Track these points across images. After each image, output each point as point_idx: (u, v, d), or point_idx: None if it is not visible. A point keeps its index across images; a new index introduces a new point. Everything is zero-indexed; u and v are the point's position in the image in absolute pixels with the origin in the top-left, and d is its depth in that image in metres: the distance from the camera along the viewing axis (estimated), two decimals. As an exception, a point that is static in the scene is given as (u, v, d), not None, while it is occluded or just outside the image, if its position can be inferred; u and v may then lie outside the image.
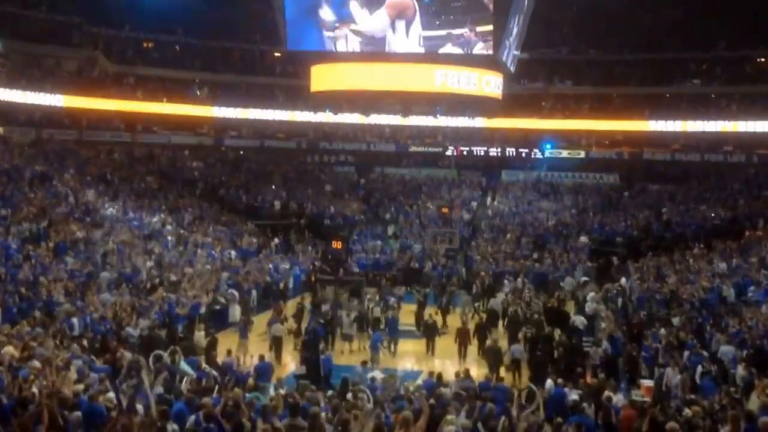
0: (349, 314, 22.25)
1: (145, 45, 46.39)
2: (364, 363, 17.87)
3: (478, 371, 17.59)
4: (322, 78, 25.67)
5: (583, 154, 44.49)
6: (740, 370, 14.95)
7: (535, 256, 32.15)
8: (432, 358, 20.88)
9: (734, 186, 38.67)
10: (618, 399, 13.88)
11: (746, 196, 36.56)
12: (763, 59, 42.45)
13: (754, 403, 12.06)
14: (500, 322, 23.38)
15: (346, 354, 20.81)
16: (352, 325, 21.93)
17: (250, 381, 15.15)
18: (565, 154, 44.65)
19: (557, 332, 20.76)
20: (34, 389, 12.22)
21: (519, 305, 23.08)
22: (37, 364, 13.85)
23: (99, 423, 10.44)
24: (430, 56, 23.19)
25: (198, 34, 44.84)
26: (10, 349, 14.82)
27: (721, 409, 11.99)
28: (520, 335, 20.38)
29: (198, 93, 45.87)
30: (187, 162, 43.65)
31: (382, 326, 22.41)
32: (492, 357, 19.03)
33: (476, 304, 25.83)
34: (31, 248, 23.45)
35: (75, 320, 18.21)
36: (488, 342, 20.37)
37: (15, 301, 19.10)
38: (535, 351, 18.92)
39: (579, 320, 21.96)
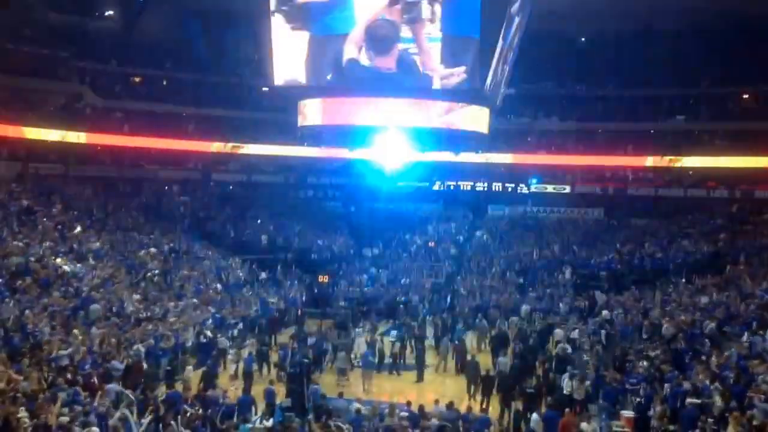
0: (340, 348, 22.45)
1: (133, 79, 46.65)
2: (340, 394, 17.98)
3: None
4: (309, 113, 26.07)
5: (568, 189, 44.95)
6: (717, 401, 15.14)
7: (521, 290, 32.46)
8: (415, 390, 20.98)
9: (717, 221, 39.05)
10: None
11: (728, 231, 36.94)
12: (746, 96, 43.19)
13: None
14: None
15: (338, 387, 20.79)
16: (345, 359, 22.10)
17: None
18: (550, 188, 45.12)
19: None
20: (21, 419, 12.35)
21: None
22: (21, 396, 13.94)
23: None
24: (420, 92, 23.66)
25: (186, 68, 45.22)
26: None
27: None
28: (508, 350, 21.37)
29: (186, 128, 46.09)
30: (175, 197, 43.73)
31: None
32: (471, 371, 20.07)
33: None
34: (17, 283, 23.45)
35: (61, 353, 18.17)
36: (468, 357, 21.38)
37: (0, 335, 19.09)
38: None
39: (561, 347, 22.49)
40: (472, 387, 20.30)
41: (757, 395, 14.53)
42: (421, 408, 16.15)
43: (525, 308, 29.46)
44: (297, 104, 26.64)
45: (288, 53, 23.92)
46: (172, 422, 13.72)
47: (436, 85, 22.58)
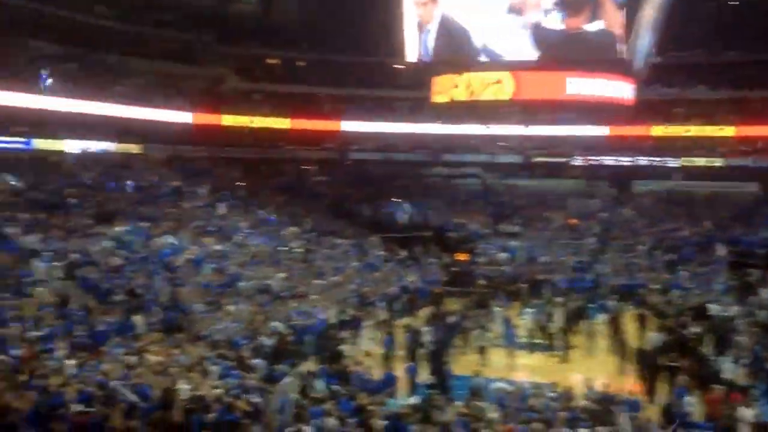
0: (480, 327, 22.13)
1: (271, 62, 47.73)
2: (480, 373, 17.66)
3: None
4: (444, 89, 25.74)
5: (720, 162, 42.46)
6: None
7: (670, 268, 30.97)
8: (559, 371, 20.37)
9: None
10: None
11: None
12: None
13: None
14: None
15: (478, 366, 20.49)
16: (485, 337, 21.81)
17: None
18: (700, 162, 42.77)
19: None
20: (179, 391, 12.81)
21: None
22: (179, 369, 14.50)
23: (232, 425, 10.66)
24: (557, 63, 22.89)
25: (322, 49, 45.80)
26: (154, 357, 15.55)
27: None
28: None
29: (323, 108, 46.80)
30: (313, 177, 44.59)
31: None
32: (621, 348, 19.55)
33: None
34: (170, 260, 24.53)
35: (213, 328, 18.83)
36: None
37: (157, 311, 19.99)
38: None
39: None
40: (623, 366, 19.52)
41: None
42: (567, 388, 15.60)
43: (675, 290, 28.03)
44: (431, 81, 26.38)
45: (422, 29, 23.74)
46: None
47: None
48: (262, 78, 46.34)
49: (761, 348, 18.69)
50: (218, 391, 13.24)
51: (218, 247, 27.44)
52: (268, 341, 19.03)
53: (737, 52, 42.49)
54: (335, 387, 14.80)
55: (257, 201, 36.61)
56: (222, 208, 32.84)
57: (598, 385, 15.85)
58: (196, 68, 43.82)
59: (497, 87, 24.15)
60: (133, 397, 12.27)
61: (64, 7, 35.54)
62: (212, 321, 19.77)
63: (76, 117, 33.58)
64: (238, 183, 38.90)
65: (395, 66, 43.04)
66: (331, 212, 39.03)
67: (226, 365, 15.56)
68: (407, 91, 43.80)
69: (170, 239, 26.68)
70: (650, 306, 25.62)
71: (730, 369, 17.33)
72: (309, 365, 17.94)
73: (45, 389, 12.05)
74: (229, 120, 43.05)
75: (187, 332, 18.52)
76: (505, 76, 23.92)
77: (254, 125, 43.95)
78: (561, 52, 22.80)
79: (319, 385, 14.87)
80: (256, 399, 13.05)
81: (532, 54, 23.03)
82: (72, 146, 33.67)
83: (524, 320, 24.09)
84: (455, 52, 24.19)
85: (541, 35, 22.66)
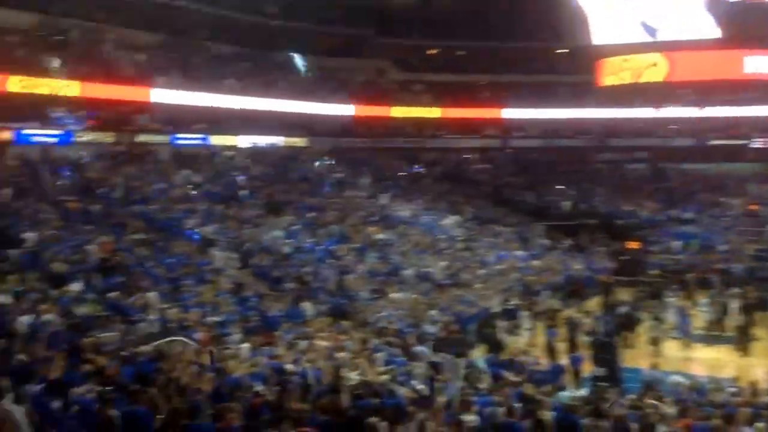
0: (652, 317, 21.33)
1: (431, 52, 47.90)
2: (653, 365, 16.93)
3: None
4: (611, 72, 24.92)
5: None
6: None
7: None
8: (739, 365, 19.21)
9: None
10: None
11: None
12: None
13: None
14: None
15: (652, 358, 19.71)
16: (658, 328, 21.02)
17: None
18: None
19: None
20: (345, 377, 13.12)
21: None
22: (347, 354, 14.89)
23: (398, 411, 10.76)
24: (734, 41, 21.61)
25: (481, 37, 45.48)
26: (323, 342, 16.07)
27: None
28: None
29: (483, 96, 46.50)
30: (474, 165, 44.45)
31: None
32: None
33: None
34: (335, 249, 25.26)
35: (378, 315, 19.23)
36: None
37: (324, 297, 20.66)
38: None
39: None
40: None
41: None
42: (751, 383, 14.67)
43: None
44: (595, 64, 25.60)
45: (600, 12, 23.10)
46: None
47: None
48: (421, 68, 46.66)
49: None
50: (384, 377, 13.46)
51: (381, 236, 27.93)
52: (431, 329, 19.22)
53: None
54: (501, 376, 14.70)
55: (418, 190, 36.93)
56: (384, 198, 33.40)
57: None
58: (358, 61, 44.79)
59: (653, 69, 23.21)
60: (306, 381, 12.70)
61: (237, 10, 37.36)
62: (377, 308, 20.17)
63: (248, 113, 35.24)
64: (399, 173, 39.34)
65: (557, 51, 42.23)
66: (492, 200, 38.78)
67: (391, 352, 15.83)
68: (570, 75, 42.89)
69: (335, 228, 27.45)
70: None
71: None
72: (474, 354, 17.91)
73: (223, 371, 12.71)
74: (391, 111, 43.64)
75: (353, 319, 18.99)
76: (658, 57, 22.89)
77: (414, 115, 44.31)
78: (742, 27, 21.49)
79: (485, 374, 14.80)
80: (421, 386, 13.18)
81: (710, 32, 21.81)
82: (244, 141, 35.31)
83: (700, 311, 22.97)
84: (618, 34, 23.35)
85: (719, 9, 21.41)
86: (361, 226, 28.69)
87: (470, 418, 10.69)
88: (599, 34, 23.28)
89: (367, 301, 21.07)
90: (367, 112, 42.38)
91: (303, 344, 15.67)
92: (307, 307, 19.50)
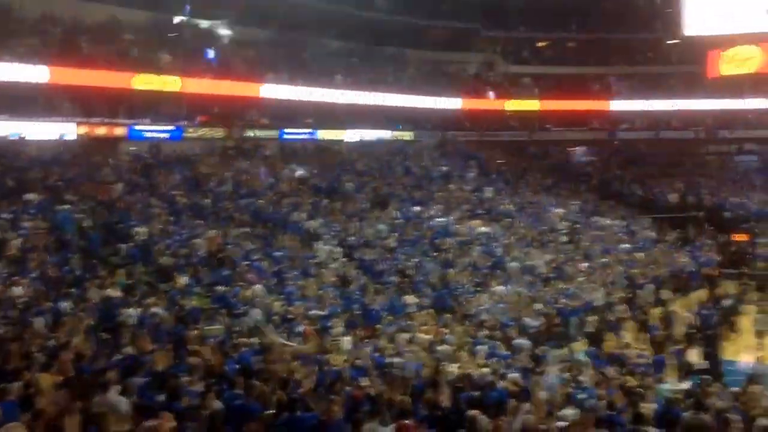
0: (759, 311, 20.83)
1: (539, 44, 47.49)
2: (760, 358, 16.50)
3: None
4: (723, 62, 24.21)
5: None
6: None
7: None
8: None
9: None
10: None
11: None
12: None
13: None
14: None
15: (753, 350, 19.18)
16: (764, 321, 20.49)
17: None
18: None
19: None
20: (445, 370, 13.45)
21: None
22: (448, 348, 15.22)
23: (499, 404, 10.95)
24: None
25: (591, 28, 44.79)
26: (425, 335, 16.44)
27: None
28: None
29: (591, 88, 45.81)
30: (580, 157, 43.90)
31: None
32: None
33: None
34: (440, 242, 25.56)
35: (480, 309, 19.46)
36: None
37: (427, 291, 21.00)
38: None
39: None
40: None
41: None
42: None
43: None
44: (706, 55, 24.91)
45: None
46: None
47: None
48: (530, 61, 46.32)
49: None
50: (485, 370, 13.67)
51: (486, 229, 28.04)
52: (533, 322, 19.29)
53: None
54: (603, 370, 14.72)
55: (524, 183, 36.80)
56: (489, 191, 33.44)
57: None
58: (466, 55, 44.86)
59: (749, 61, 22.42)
60: (407, 374, 13.04)
61: (346, 4, 38.05)
62: (479, 301, 20.37)
63: (355, 108, 35.92)
64: (505, 166, 39.26)
65: (666, 41, 41.24)
66: (599, 193, 38.25)
67: (492, 345, 16.05)
68: (679, 66, 41.92)
69: (441, 221, 27.73)
70: None
71: None
72: (576, 347, 17.88)
73: (325, 363, 13.13)
74: (502, 104, 43.60)
75: (456, 312, 19.25)
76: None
77: (521, 108, 44.11)
78: None
79: (587, 368, 14.83)
80: (521, 379, 13.34)
81: None
82: (351, 135, 36.00)
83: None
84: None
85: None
86: (466, 219, 28.86)
87: (570, 412, 10.83)
88: (709, 24, 22.58)
89: (469, 294, 21.26)
90: (474, 105, 42.50)
91: (404, 337, 16.04)
92: (410, 300, 19.86)
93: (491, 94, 43.41)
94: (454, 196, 31.64)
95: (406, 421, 8.99)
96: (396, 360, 13.99)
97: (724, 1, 21.98)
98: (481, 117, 43.09)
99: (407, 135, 39.10)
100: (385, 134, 37.89)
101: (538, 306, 20.68)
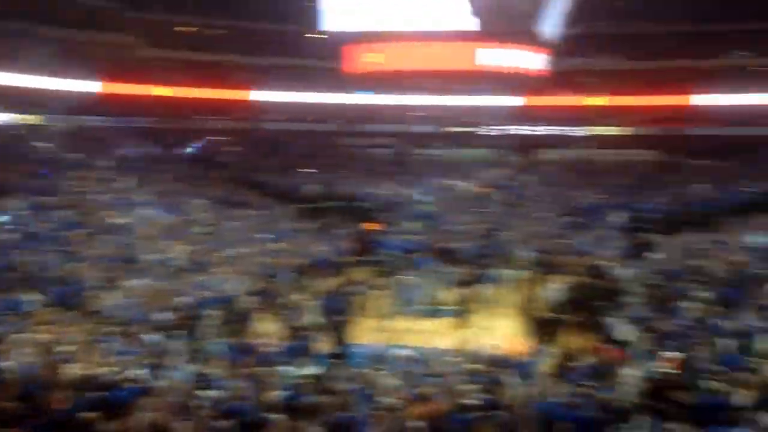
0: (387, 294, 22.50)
1: (182, 29, 46.61)
2: (379, 340, 17.89)
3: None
4: (358, 58, 25.71)
5: (624, 131, 43.84)
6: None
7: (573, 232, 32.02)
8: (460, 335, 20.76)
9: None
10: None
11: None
12: None
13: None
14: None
15: (377, 333, 20.70)
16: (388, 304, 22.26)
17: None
18: (605, 131, 44.06)
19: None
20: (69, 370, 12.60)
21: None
22: (71, 347, 14.24)
23: (125, 403, 10.57)
24: (471, 34, 23.07)
25: (233, 17, 45.04)
26: (45, 334, 15.23)
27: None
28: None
29: (234, 77, 46.20)
30: (223, 147, 44.06)
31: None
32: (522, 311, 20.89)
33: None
34: (66, 234, 23.92)
35: (107, 304, 18.52)
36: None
37: (49, 286, 19.50)
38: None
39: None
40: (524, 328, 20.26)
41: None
42: (464, 352, 16.10)
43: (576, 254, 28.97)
44: (345, 50, 26.32)
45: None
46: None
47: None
48: (172, 46, 45.23)
49: (650, 309, 19.55)
50: (110, 368, 13.06)
51: (119, 221, 26.85)
52: (167, 316, 18.84)
53: (645, 23, 43.88)
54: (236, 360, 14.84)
55: (162, 172, 35.92)
56: (125, 180, 32.12)
57: (495, 348, 16.36)
58: (105, 36, 42.46)
59: (411, 57, 24.35)
60: (18, 377, 12.00)
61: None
62: (109, 297, 19.38)
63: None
64: (143, 154, 38.05)
65: (308, 35, 42.88)
66: (240, 183, 38.67)
67: (119, 342, 15.37)
68: (320, 60, 43.78)
69: (68, 212, 25.99)
70: (551, 269, 26.59)
71: (621, 328, 18.17)
72: (209, 339, 17.77)
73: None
74: (137, 89, 42.07)
75: (82, 309, 18.12)
76: (418, 47, 24.03)
77: (162, 94, 43.05)
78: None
79: (219, 359, 14.83)
80: (150, 376, 12.94)
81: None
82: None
83: (427, 285, 24.43)
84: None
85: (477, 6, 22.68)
86: (97, 210, 27.37)
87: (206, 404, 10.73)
88: (347, 20, 23.80)
89: (98, 289, 20.13)
90: (112, 89, 40.53)
91: (18, 338, 14.73)
92: (29, 297, 18.30)
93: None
94: (86, 185, 29.85)
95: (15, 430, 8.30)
96: (5, 363, 12.79)
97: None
98: (120, 102, 41.26)
99: (35, 119, 36.06)
100: (5, 117, 34.55)
101: (175, 299, 20.26)
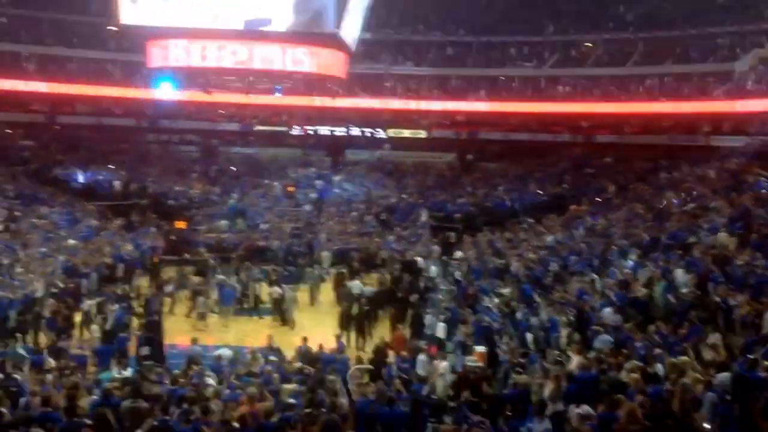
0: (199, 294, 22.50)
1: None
2: (194, 340, 17.90)
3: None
4: (159, 54, 25.28)
5: (423, 134, 45.90)
6: (563, 334, 16.25)
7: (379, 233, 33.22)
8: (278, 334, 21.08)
9: (561, 164, 41.13)
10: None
11: (571, 173, 39.04)
12: (589, 44, 45.16)
13: (574, 363, 13.10)
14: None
15: (195, 333, 20.55)
16: (206, 304, 22.32)
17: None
18: (406, 133, 45.91)
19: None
20: None
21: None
22: None
23: None
24: (273, 35, 23.32)
25: (26, 5, 42.47)
26: None
27: (545, 370, 12.98)
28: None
29: (28, 68, 43.57)
30: (18, 141, 41.50)
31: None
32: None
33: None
34: None
35: None
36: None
37: None
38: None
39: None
40: (340, 325, 20.99)
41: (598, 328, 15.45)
42: (278, 349, 16.64)
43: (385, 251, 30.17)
44: (145, 45, 25.79)
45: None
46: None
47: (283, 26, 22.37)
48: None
49: (457, 303, 20.84)
50: None
51: None
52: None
53: (438, 32, 46.28)
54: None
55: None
56: None
57: (312, 345, 16.86)
58: None
59: (210, 55, 24.27)
60: None
61: None
62: None
63: None
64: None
65: (108, 27, 41.26)
66: (38, 179, 36.68)
67: None
68: (121, 53, 42.34)
69: None
70: (362, 266, 27.64)
71: (431, 323, 19.29)
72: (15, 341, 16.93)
73: None
74: None
75: None
76: (217, 44, 24.00)
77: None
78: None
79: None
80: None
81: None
82: None
83: (242, 286, 24.54)
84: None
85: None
86: None
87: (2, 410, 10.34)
88: (146, 15, 23.31)
89: None
90: None
91: None
92: None
93: None
94: None
95: None
96: None
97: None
98: None
99: None
100: None
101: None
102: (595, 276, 19.81)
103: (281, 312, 22.80)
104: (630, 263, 19.65)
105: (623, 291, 17.35)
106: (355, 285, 23.68)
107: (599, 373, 11.70)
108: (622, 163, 38.88)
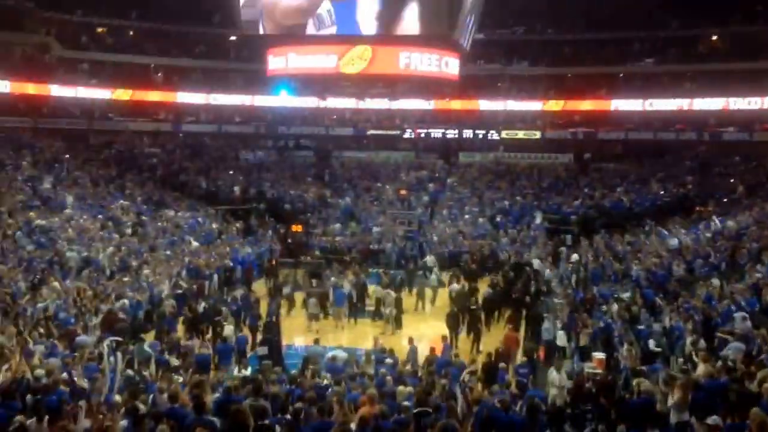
0: (311, 296, 22.76)
1: (99, 30, 45.64)
2: (316, 341, 18.16)
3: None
4: (279, 61, 25.77)
5: (538, 135, 45.05)
6: (688, 342, 15.50)
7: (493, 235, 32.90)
8: (391, 337, 21.16)
9: (685, 164, 39.50)
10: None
11: (697, 173, 37.42)
12: (714, 38, 43.25)
13: (700, 371, 12.47)
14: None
15: (311, 334, 20.89)
16: (316, 305, 22.53)
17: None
18: (521, 134, 45.17)
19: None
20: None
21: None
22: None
23: (58, 408, 10.43)
24: (391, 38, 23.36)
25: (153, 17, 44.38)
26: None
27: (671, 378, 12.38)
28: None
29: (155, 78, 45.58)
30: (146, 148, 43.44)
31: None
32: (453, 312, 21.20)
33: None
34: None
35: (38, 306, 18.19)
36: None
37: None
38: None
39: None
40: (455, 330, 20.71)
41: (726, 335, 14.69)
42: (391, 350, 16.61)
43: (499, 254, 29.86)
44: (265, 53, 26.33)
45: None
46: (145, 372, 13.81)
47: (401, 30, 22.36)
48: (89, 47, 44.20)
49: (574, 308, 20.29)
50: (40, 371, 12.85)
51: (43, 222, 26.29)
52: (95, 318, 18.65)
53: (553, 31, 45.25)
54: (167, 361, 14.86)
55: (86, 174, 35.26)
56: (48, 181, 31.45)
57: (426, 349, 16.81)
58: (17, 35, 41.19)
59: (333, 60, 24.52)
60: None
61: None
62: (36, 299, 19.01)
63: None
64: (64, 155, 37.22)
65: (230, 38, 42.65)
66: (164, 185, 38.25)
67: (51, 344, 15.16)
68: (242, 62, 43.60)
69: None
70: (476, 269, 27.35)
71: (548, 327, 18.89)
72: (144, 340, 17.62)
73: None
74: (55, 89, 41.12)
75: (7, 311, 17.71)
76: (340, 50, 24.20)
77: (81, 95, 42.17)
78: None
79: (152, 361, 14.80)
80: (82, 378, 12.79)
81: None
82: None
83: (355, 288, 24.74)
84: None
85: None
86: (19, 211, 26.71)
87: (141, 406, 10.68)
88: (265, 24, 23.82)
89: (24, 291, 19.72)
90: (27, 89, 39.51)
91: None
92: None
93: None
94: (7, 186, 29.09)
95: None
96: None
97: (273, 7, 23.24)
98: (36, 102, 40.29)
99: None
100: None
101: (102, 300, 20.04)
102: (722, 281, 18.85)
103: (392, 314, 22.81)
104: (764, 268, 18.59)
105: (755, 296, 16.43)
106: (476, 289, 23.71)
107: (729, 382, 11.06)
108: (751, 161, 36.99)
